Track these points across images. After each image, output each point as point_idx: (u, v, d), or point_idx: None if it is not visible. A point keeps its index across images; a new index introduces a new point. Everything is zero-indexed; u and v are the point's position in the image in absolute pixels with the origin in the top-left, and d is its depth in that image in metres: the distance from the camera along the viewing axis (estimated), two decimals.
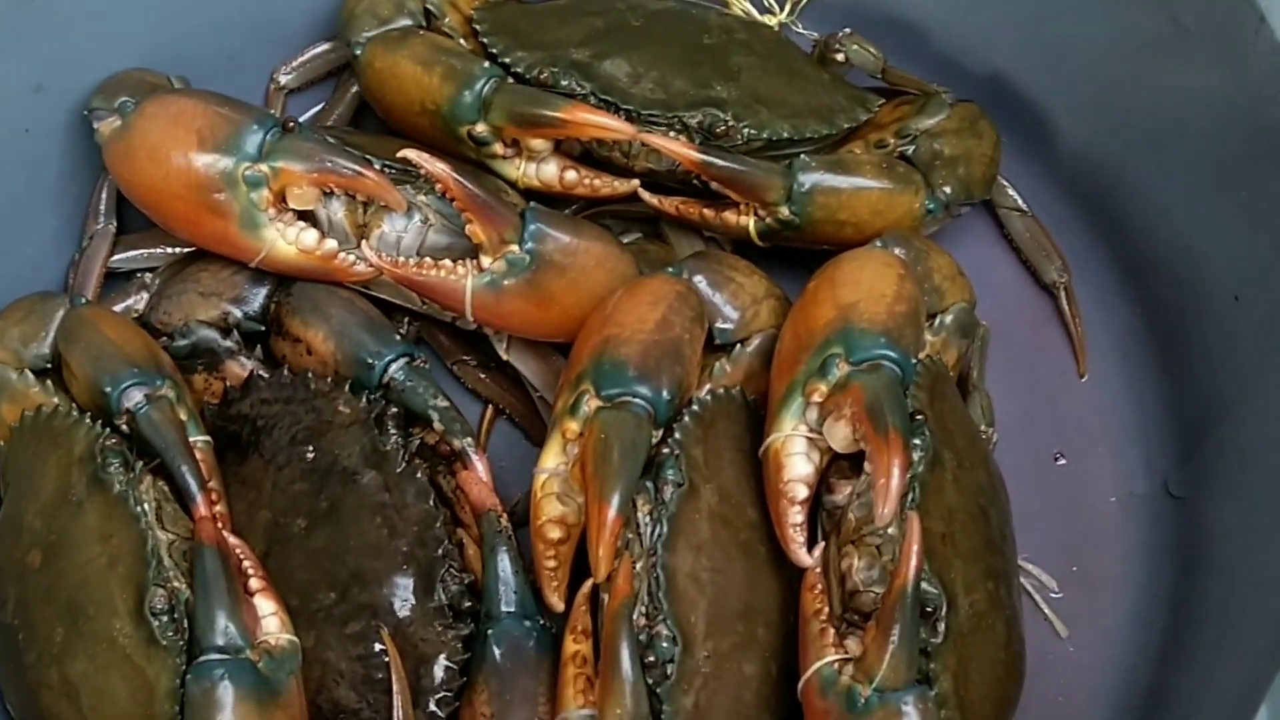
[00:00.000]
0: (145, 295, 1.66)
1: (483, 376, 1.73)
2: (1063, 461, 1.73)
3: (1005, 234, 1.82)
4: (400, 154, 1.52)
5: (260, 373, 1.58)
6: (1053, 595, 1.65)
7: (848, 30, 1.81)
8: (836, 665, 1.33)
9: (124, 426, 1.46)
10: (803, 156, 1.63)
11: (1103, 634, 1.64)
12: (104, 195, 1.72)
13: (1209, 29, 1.51)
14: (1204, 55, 1.54)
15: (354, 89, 1.82)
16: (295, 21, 1.84)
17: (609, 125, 1.59)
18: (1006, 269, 1.82)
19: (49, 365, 1.54)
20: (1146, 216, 1.73)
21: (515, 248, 1.52)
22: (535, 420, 1.71)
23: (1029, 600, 1.63)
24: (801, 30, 1.88)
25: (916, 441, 1.41)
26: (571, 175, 1.67)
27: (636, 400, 1.43)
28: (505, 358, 1.67)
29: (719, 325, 1.57)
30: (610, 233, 1.63)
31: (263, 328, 1.64)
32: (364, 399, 1.53)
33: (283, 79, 1.84)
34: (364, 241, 1.60)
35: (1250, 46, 1.45)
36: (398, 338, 1.59)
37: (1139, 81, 1.66)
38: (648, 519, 1.42)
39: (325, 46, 1.85)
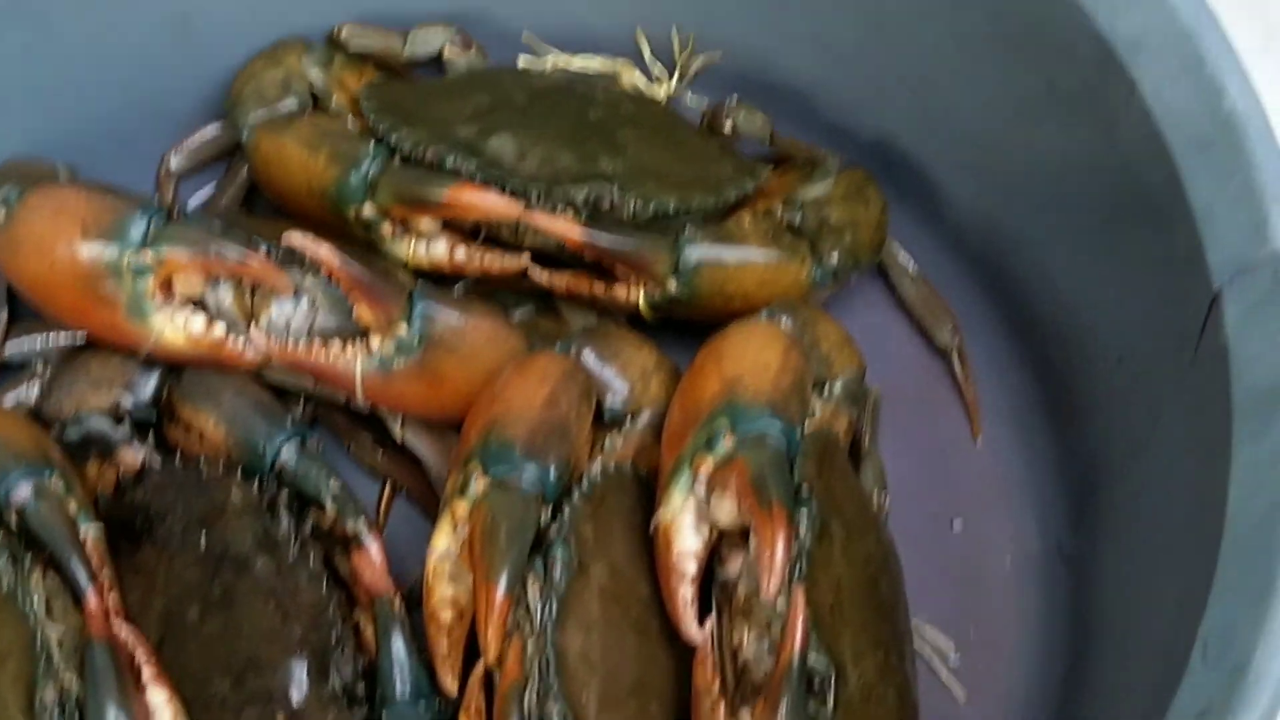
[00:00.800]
0: (37, 384, 1.64)
1: (380, 456, 1.72)
2: (958, 526, 1.73)
3: (898, 298, 1.82)
4: (284, 238, 1.52)
5: (153, 460, 1.57)
6: (951, 660, 1.65)
7: (735, 98, 1.82)
8: None
9: (13, 521, 1.44)
10: (688, 231, 1.63)
11: (1000, 696, 1.64)
12: None
13: (1082, 93, 1.52)
14: (1078, 119, 1.54)
15: (245, 170, 1.80)
16: (186, 104, 1.83)
17: (493, 206, 1.59)
18: (899, 333, 1.82)
19: None
20: (1033, 278, 1.74)
21: (403, 329, 1.52)
22: (433, 499, 1.67)
23: (928, 666, 1.64)
24: (691, 100, 1.88)
25: (803, 513, 1.41)
26: (461, 253, 1.65)
27: (524, 479, 1.43)
28: (399, 439, 1.66)
29: (609, 401, 1.58)
30: (499, 309, 1.63)
31: (155, 414, 1.63)
32: (256, 484, 1.52)
33: (173, 162, 1.82)
34: (253, 325, 1.59)
35: (1121, 111, 1.46)
36: (289, 421, 1.58)
37: (1018, 144, 1.66)
38: (538, 598, 1.41)
39: (214, 129, 1.83)
